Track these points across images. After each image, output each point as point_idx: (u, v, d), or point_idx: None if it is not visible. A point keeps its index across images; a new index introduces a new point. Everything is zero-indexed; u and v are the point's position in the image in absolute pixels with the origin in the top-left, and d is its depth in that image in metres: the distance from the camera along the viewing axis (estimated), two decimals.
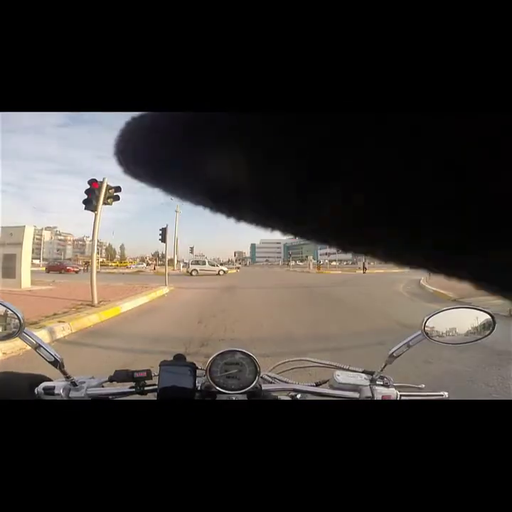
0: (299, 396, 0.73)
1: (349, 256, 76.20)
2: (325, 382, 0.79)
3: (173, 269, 28.50)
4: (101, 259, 58.47)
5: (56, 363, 0.69)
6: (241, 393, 0.68)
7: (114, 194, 6.98)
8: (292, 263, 47.65)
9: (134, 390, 0.72)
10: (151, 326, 4.93)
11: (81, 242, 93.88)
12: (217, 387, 0.68)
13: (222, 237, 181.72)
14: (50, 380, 0.74)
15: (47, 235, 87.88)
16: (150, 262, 60.71)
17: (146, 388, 0.72)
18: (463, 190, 0.11)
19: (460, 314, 0.70)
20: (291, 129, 0.12)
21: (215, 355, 0.69)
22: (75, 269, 26.67)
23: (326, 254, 51.18)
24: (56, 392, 0.69)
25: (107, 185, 6.74)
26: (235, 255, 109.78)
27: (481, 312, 0.70)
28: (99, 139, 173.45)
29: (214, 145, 0.12)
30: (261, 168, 0.12)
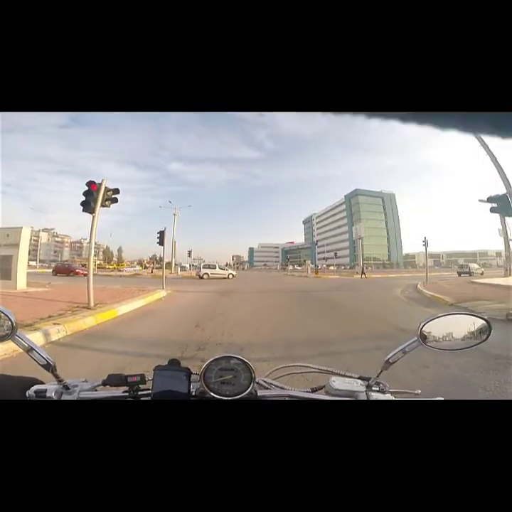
0: None
1: (347, 260, 76.26)
2: (321, 388, 0.79)
3: (171, 273, 28.45)
4: (98, 262, 58.18)
5: (48, 367, 0.68)
6: (236, 399, 0.67)
7: (113, 196, 6.97)
8: (290, 267, 47.68)
9: (127, 394, 0.71)
10: (147, 330, 4.90)
11: (78, 245, 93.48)
12: (212, 393, 0.67)
13: (220, 240, 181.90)
14: (42, 383, 0.73)
15: (44, 237, 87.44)
16: (147, 265, 60.47)
17: (139, 393, 0.71)
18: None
19: (455, 320, 0.70)
20: None
21: (209, 360, 0.69)
22: (85, 272, 25.12)
23: (324, 259, 51.27)
24: (48, 395, 0.68)
25: (106, 187, 6.73)
26: (232, 259, 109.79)
27: (477, 318, 0.70)
28: (99, 141, 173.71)
29: None
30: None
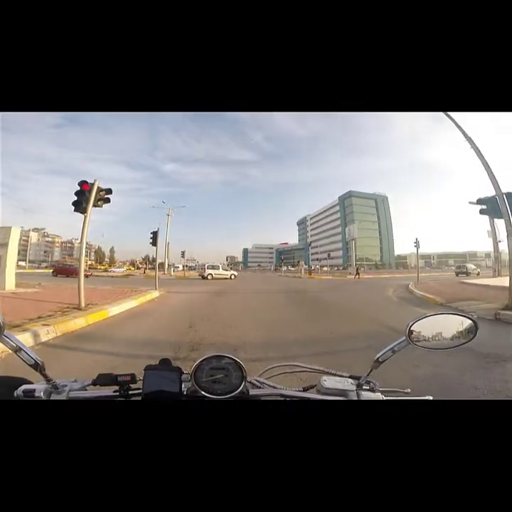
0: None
1: (340, 262, 76.72)
2: (312, 387, 0.79)
3: (164, 273, 28.22)
4: (89, 262, 57.33)
5: (36, 366, 0.67)
6: (227, 398, 0.67)
7: (105, 196, 6.88)
8: (284, 268, 47.74)
9: (117, 394, 0.70)
10: (139, 330, 4.85)
11: (69, 245, 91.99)
12: (203, 392, 0.67)
13: (214, 241, 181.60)
14: (31, 383, 0.72)
15: (34, 237, 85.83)
16: (140, 266, 59.81)
17: (130, 392, 0.70)
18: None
19: (443, 320, 0.71)
20: None
21: (200, 360, 0.69)
22: (87, 274, 20.23)
23: (318, 259, 51.53)
24: (36, 395, 0.67)
25: (98, 187, 6.65)
26: (227, 260, 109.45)
27: (464, 317, 0.72)
28: (92, 141, 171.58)
29: None
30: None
